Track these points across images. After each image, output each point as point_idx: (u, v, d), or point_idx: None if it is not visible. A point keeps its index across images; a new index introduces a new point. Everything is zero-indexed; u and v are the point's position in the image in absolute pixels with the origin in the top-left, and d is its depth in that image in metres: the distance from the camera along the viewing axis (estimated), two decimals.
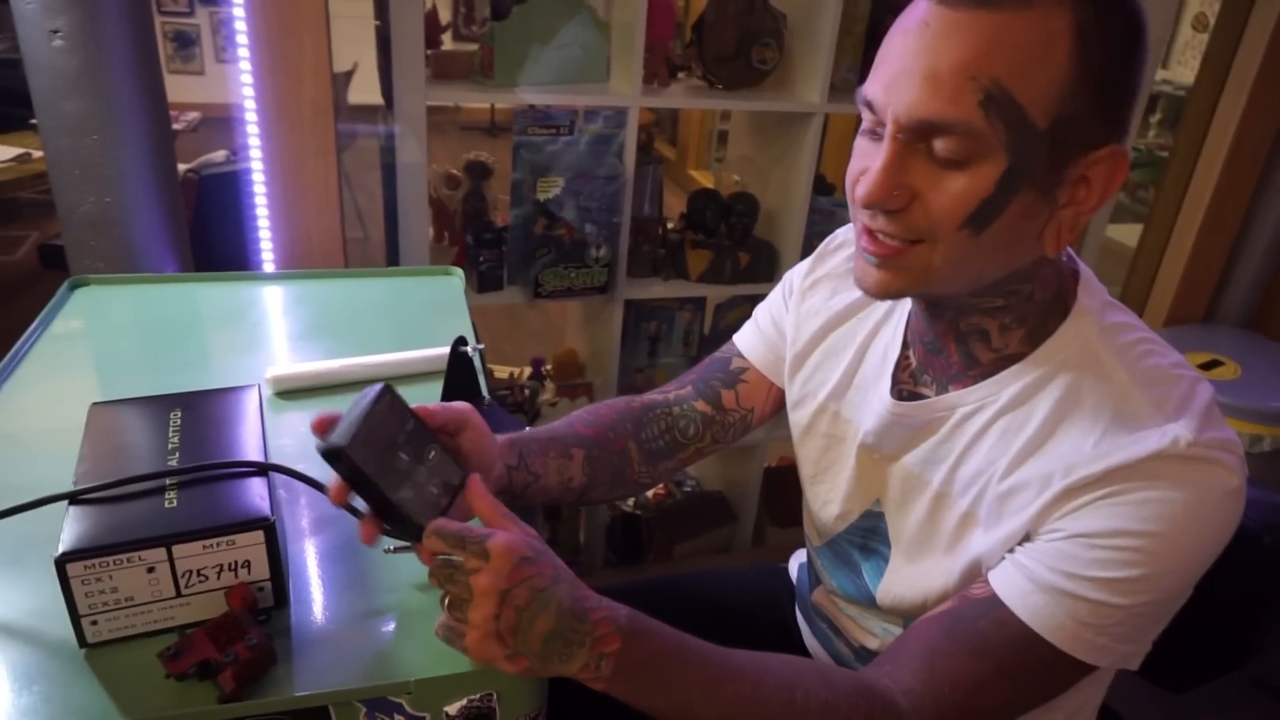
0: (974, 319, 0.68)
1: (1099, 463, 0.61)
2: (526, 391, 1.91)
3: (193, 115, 3.92)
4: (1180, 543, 0.60)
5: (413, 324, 1.17)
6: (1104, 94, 0.59)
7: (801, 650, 0.96)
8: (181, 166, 2.44)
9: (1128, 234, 2.58)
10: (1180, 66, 3.86)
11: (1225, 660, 0.94)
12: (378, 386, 0.62)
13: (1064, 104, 0.57)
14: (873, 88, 0.61)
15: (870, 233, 0.64)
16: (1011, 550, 0.66)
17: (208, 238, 2.23)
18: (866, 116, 0.63)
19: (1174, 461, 0.59)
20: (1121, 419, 0.62)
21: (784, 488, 2.13)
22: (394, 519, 0.62)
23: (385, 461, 0.61)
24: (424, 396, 0.94)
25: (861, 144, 0.65)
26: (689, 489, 2.21)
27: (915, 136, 0.59)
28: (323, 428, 0.63)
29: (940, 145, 0.59)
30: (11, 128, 3.29)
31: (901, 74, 0.59)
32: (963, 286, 0.65)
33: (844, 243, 0.87)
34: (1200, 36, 3.72)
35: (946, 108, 0.57)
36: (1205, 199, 2.01)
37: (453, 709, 0.62)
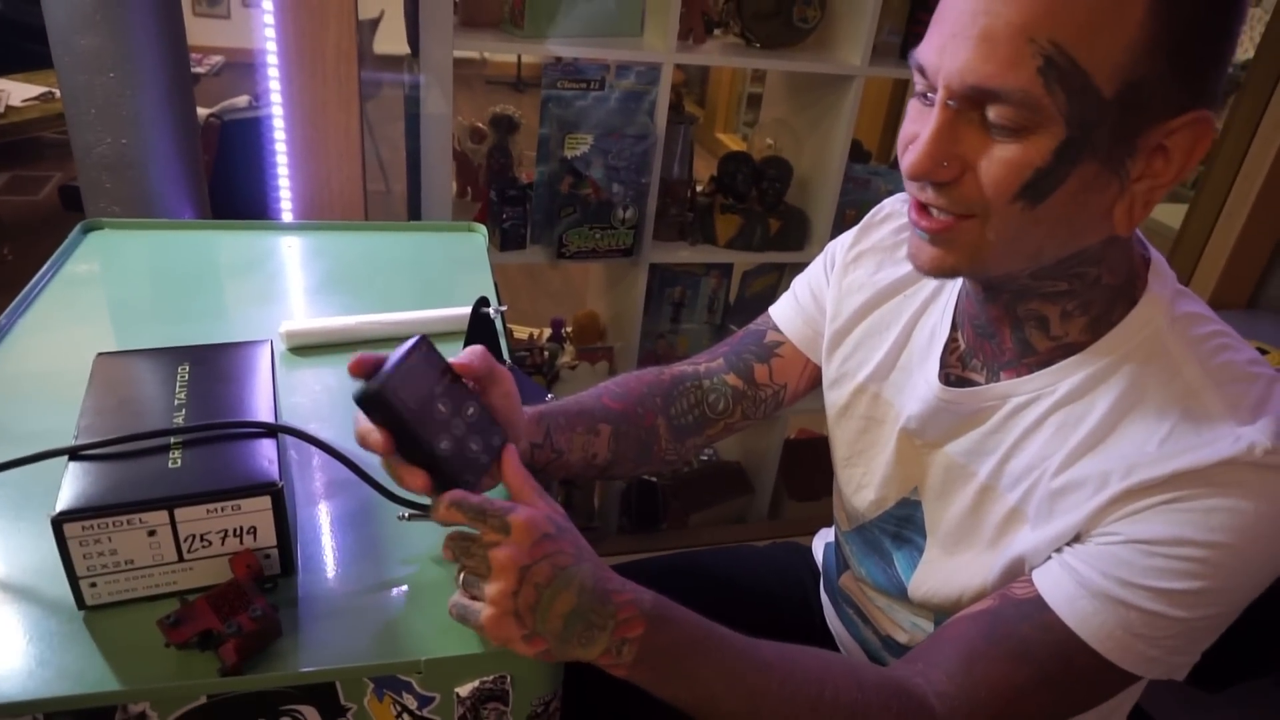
0: (1033, 304, 0.63)
1: (1164, 465, 0.56)
2: (545, 353, 1.88)
3: (216, 59, 3.87)
4: (1248, 556, 0.56)
5: (433, 281, 1.13)
6: (1184, 56, 0.52)
7: (824, 632, 0.93)
8: (203, 111, 2.40)
9: (1169, 214, 2.50)
10: None
11: (1267, 661, 0.91)
12: (415, 338, 0.59)
13: (1135, 69, 0.52)
14: (925, 50, 0.57)
15: (921, 206, 0.60)
16: (1059, 550, 0.62)
17: (228, 184, 2.20)
18: (918, 80, 0.59)
19: (1247, 469, 0.55)
20: (1191, 418, 0.58)
21: (803, 461, 2.10)
22: (434, 473, 0.59)
23: (425, 410, 0.58)
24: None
25: (914, 107, 0.60)
26: (706, 458, 2.18)
27: (967, 104, 0.55)
28: (361, 369, 0.58)
29: (994, 113, 0.54)
30: (36, 65, 3.25)
31: (955, 36, 0.54)
32: (1021, 265, 0.60)
33: (890, 214, 0.82)
34: (1255, 11, 3.58)
35: (1001, 73, 0.52)
36: (1259, 181, 1.92)
37: (464, 690, 0.59)
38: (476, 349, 0.65)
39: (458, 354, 0.64)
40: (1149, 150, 0.55)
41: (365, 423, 0.59)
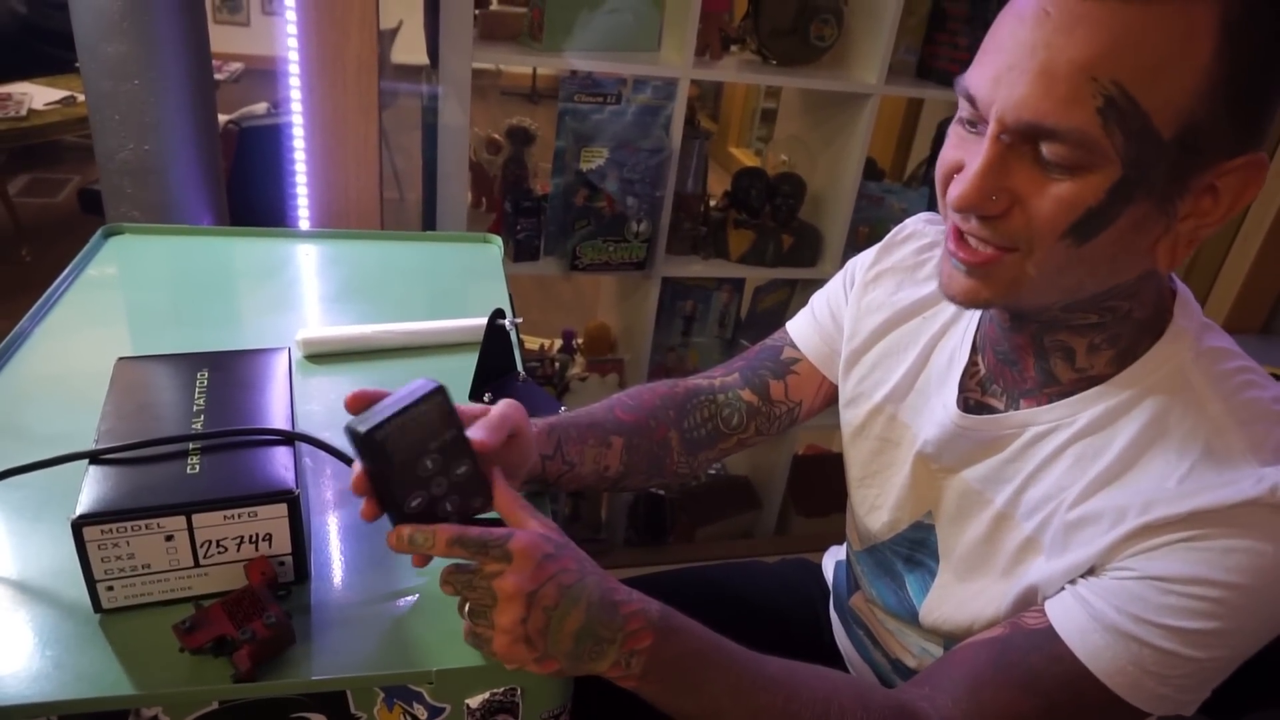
0: (1061, 335, 0.63)
1: (1183, 503, 0.55)
2: (556, 364, 1.88)
3: (236, 66, 3.91)
4: (1265, 599, 0.55)
5: (448, 291, 1.14)
6: (1246, 99, 0.51)
7: (833, 651, 0.93)
8: (222, 117, 2.43)
9: None
10: None
11: (1277, 692, 0.90)
12: (432, 384, 0.57)
13: (1196, 111, 0.51)
14: (977, 79, 0.55)
15: (960, 236, 0.59)
16: (1073, 582, 0.61)
17: (246, 191, 2.22)
18: (964, 108, 0.57)
19: (1268, 511, 0.54)
20: (1212, 456, 0.57)
21: (812, 477, 2.10)
22: (393, 514, 0.58)
23: (407, 462, 0.56)
24: (458, 368, 0.91)
25: (956, 133, 0.59)
26: (715, 472, 2.17)
27: (1020, 138, 0.53)
28: (357, 404, 0.58)
29: (1048, 150, 0.53)
30: (58, 69, 3.29)
31: (1011, 67, 0.52)
32: (1056, 299, 0.60)
33: (913, 234, 0.82)
34: None
35: (1058, 111, 0.51)
36: (1275, 205, 1.92)
37: (474, 702, 0.59)
38: (494, 419, 0.63)
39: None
40: (1199, 190, 0.54)
41: (358, 473, 0.58)
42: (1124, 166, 0.52)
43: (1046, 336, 0.64)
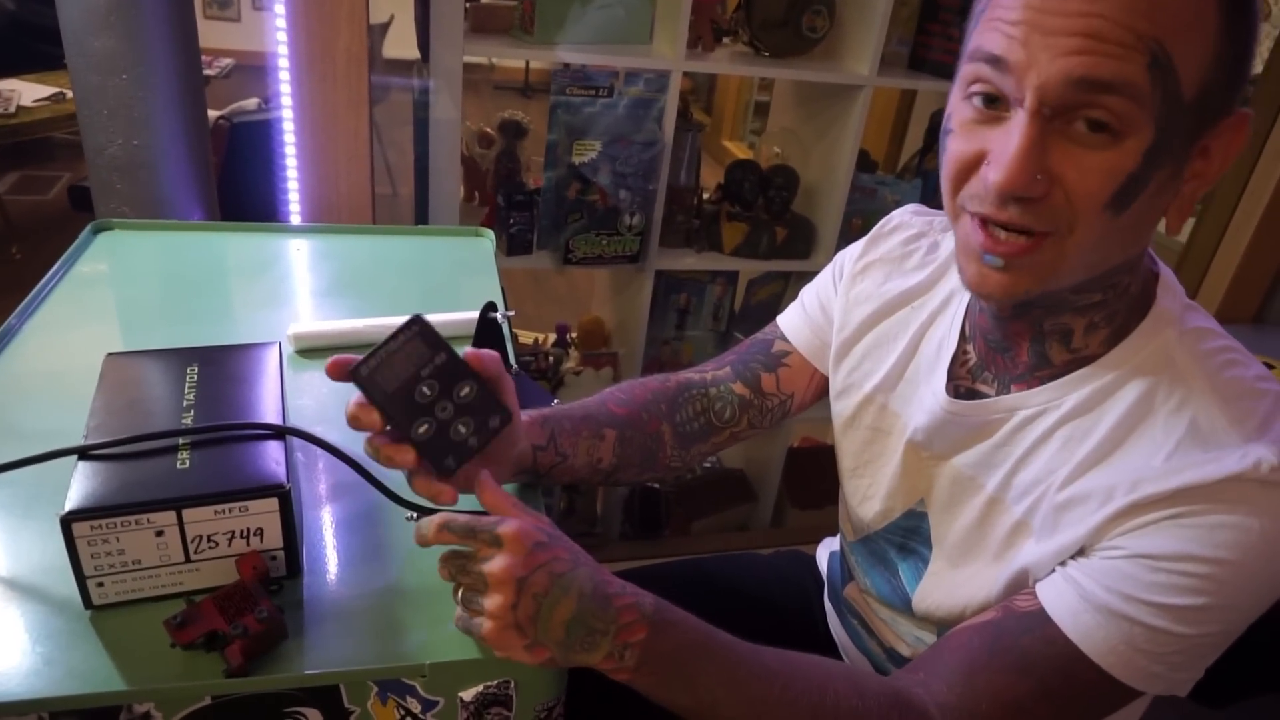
0: (1064, 318, 0.63)
1: (1169, 480, 0.56)
2: (550, 359, 1.88)
3: (226, 61, 3.89)
4: (1253, 573, 0.55)
5: (440, 285, 1.14)
6: (1240, 61, 0.54)
7: (828, 642, 0.93)
8: (213, 113, 2.41)
9: None
10: None
11: (1273, 677, 0.90)
12: (407, 318, 0.59)
13: (1209, 73, 0.52)
14: (1001, 42, 0.52)
15: (989, 228, 0.57)
16: (1064, 563, 0.61)
17: (236, 186, 2.20)
18: (979, 85, 0.55)
19: (1254, 486, 0.54)
20: (1197, 434, 0.58)
21: (807, 469, 2.10)
22: (411, 445, 0.59)
23: (404, 394, 0.58)
24: None
25: (969, 119, 0.57)
26: (709, 465, 2.18)
27: (1064, 109, 0.52)
28: (336, 370, 0.59)
29: (1100, 112, 0.52)
30: (47, 65, 3.27)
31: (1050, 33, 0.51)
32: (1082, 278, 0.59)
33: (899, 225, 0.82)
34: (1263, 26, 3.57)
35: (1113, 66, 0.50)
36: (1266, 195, 1.92)
37: (468, 695, 0.59)
38: (492, 354, 0.64)
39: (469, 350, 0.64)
40: (1199, 152, 0.56)
41: (352, 405, 0.60)
42: (1156, 129, 0.52)
43: (1048, 321, 0.64)
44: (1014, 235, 0.56)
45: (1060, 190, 0.54)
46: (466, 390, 0.61)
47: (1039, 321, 0.64)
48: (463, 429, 0.60)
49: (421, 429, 0.59)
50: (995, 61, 0.53)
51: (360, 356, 0.59)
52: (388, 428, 0.60)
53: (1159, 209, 0.57)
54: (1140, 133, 0.52)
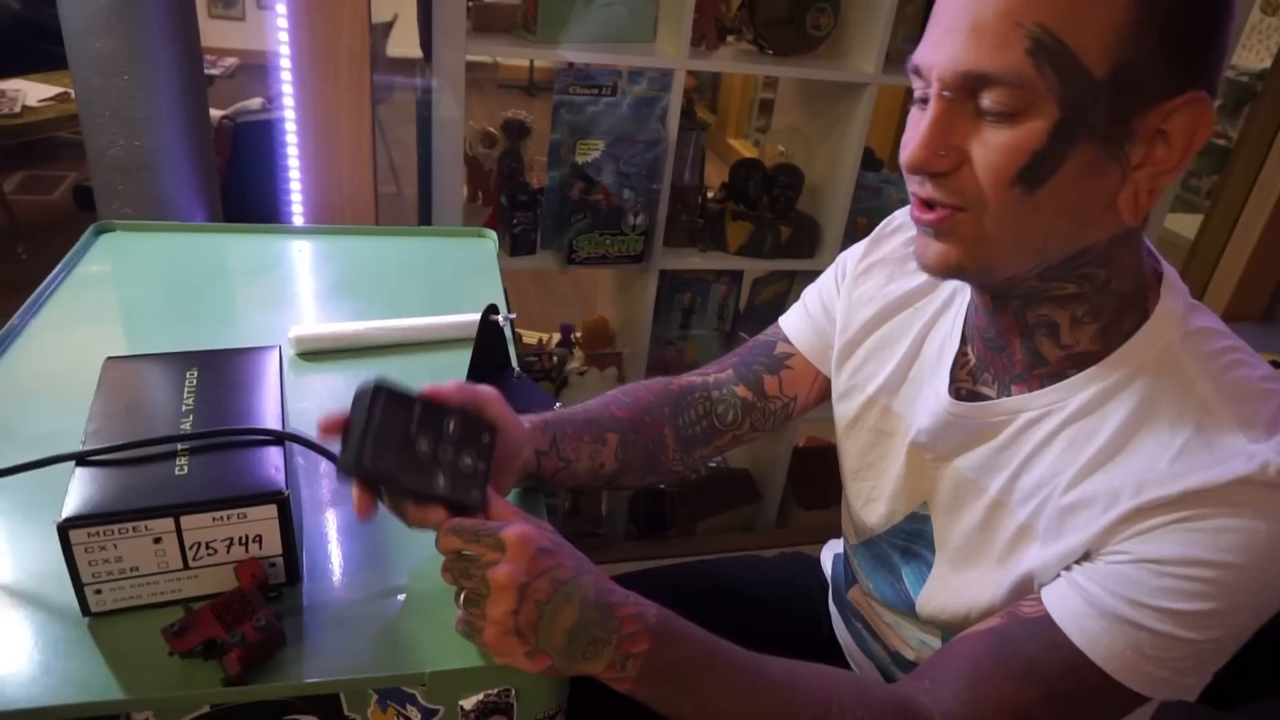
0: (1043, 309, 0.63)
1: (1175, 483, 0.56)
2: (554, 359, 1.88)
3: (231, 61, 3.89)
4: (1260, 578, 0.55)
5: (443, 286, 1.13)
6: (1172, 37, 0.53)
7: (832, 644, 0.92)
8: (217, 113, 2.41)
9: (1184, 224, 2.48)
10: (1245, 51, 3.68)
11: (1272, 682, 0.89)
12: (369, 385, 0.58)
13: (1125, 48, 0.52)
14: (920, 51, 0.58)
15: (922, 204, 0.60)
16: (1069, 568, 0.61)
17: (241, 186, 2.20)
18: (916, 84, 0.60)
19: (1260, 489, 0.54)
20: (1203, 436, 0.57)
21: (812, 469, 2.09)
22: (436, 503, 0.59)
23: (407, 460, 0.57)
24: (452, 364, 0.91)
25: (913, 114, 0.60)
26: (714, 465, 2.17)
27: (962, 94, 0.55)
28: (329, 430, 0.59)
29: (988, 99, 0.54)
30: (53, 65, 3.28)
31: (946, 30, 0.56)
32: (1025, 261, 0.60)
33: (901, 225, 0.81)
34: (1269, 20, 3.54)
35: (991, 57, 0.53)
36: (1275, 192, 1.91)
37: (468, 703, 0.58)
38: (450, 385, 0.64)
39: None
40: (1149, 136, 0.55)
41: (357, 502, 0.59)
42: (1061, 107, 0.53)
43: (1029, 312, 0.63)
44: (940, 207, 0.59)
45: (969, 167, 0.57)
46: (453, 425, 0.60)
47: (1022, 314, 0.64)
48: (468, 460, 0.60)
49: (440, 482, 0.58)
50: (916, 70, 0.59)
51: (343, 412, 0.58)
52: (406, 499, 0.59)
53: (1099, 193, 0.56)
54: (1041, 112, 0.54)
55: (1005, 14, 0.52)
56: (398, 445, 0.57)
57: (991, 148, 0.55)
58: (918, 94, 0.60)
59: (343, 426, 0.58)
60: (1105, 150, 0.55)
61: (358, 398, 0.58)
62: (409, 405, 0.59)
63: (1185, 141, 0.55)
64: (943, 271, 0.61)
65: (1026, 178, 0.55)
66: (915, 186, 0.60)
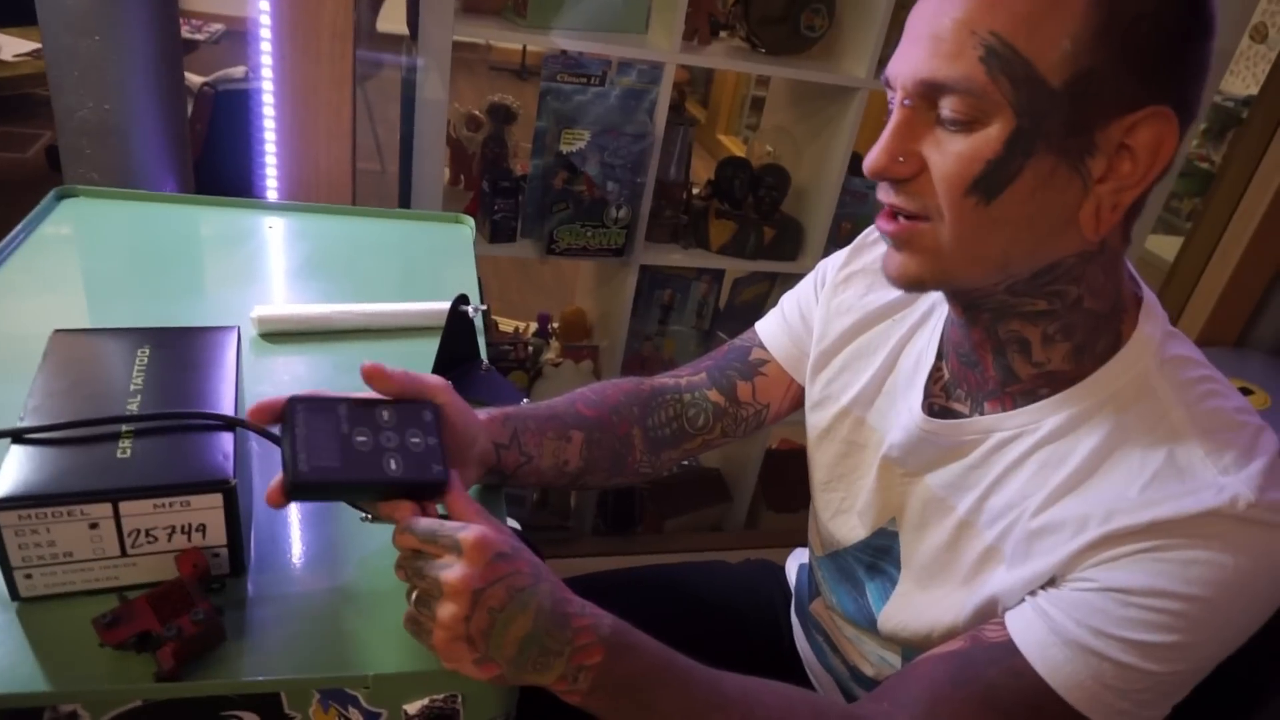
0: (1014, 325, 0.62)
1: (1144, 512, 0.55)
2: (530, 349, 1.85)
3: (217, 27, 3.81)
4: (1225, 612, 0.54)
5: (416, 271, 1.11)
6: (1133, 47, 0.52)
7: (793, 656, 0.91)
8: (199, 79, 2.36)
9: (1164, 246, 2.49)
10: (1233, 77, 3.70)
11: (1244, 712, 0.89)
12: (289, 403, 0.57)
13: (1081, 58, 0.52)
14: (891, 62, 0.59)
15: (886, 214, 0.61)
16: (1034, 593, 0.60)
17: (219, 156, 2.16)
18: (890, 95, 0.60)
19: (1229, 522, 0.53)
20: (1174, 465, 0.56)
21: (784, 472, 2.08)
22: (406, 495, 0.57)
23: (347, 457, 0.55)
24: (420, 352, 0.88)
25: (885, 125, 0.60)
26: (686, 463, 2.16)
27: (924, 102, 0.56)
28: (261, 415, 0.57)
29: (946, 107, 0.55)
30: (30, 20, 3.19)
31: (912, 40, 0.57)
32: (987, 274, 0.59)
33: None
34: (1257, 47, 3.56)
35: (947, 65, 0.53)
36: (1256, 219, 1.91)
37: (412, 708, 0.57)
38: (397, 372, 0.62)
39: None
40: (1111, 149, 0.54)
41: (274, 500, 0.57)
42: (1017, 116, 0.53)
43: (1000, 327, 0.62)
44: (902, 217, 0.59)
45: (928, 176, 0.57)
46: (386, 413, 0.59)
47: (993, 329, 0.63)
48: (415, 439, 0.58)
49: (391, 465, 0.56)
50: (888, 82, 0.59)
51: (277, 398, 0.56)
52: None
53: (1059, 206, 0.56)
54: (997, 120, 0.54)
55: (961, 23, 0.53)
56: (334, 445, 0.55)
57: (948, 155, 0.55)
58: (891, 104, 0.60)
59: (278, 416, 0.56)
60: (1065, 162, 0.54)
61: (284, 420, 0.56)
62: (332, 407, 0.58)
63: (1149, 158, 0.54)
64: (903, 282, 0.61)
65: (982, 187, 0.55)
66: (881, 194, 0.60)
